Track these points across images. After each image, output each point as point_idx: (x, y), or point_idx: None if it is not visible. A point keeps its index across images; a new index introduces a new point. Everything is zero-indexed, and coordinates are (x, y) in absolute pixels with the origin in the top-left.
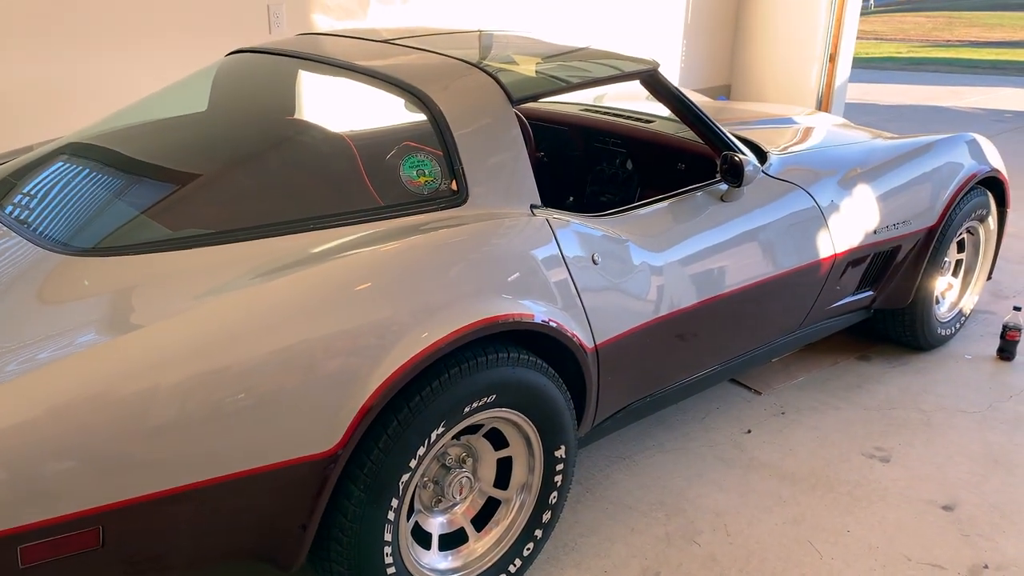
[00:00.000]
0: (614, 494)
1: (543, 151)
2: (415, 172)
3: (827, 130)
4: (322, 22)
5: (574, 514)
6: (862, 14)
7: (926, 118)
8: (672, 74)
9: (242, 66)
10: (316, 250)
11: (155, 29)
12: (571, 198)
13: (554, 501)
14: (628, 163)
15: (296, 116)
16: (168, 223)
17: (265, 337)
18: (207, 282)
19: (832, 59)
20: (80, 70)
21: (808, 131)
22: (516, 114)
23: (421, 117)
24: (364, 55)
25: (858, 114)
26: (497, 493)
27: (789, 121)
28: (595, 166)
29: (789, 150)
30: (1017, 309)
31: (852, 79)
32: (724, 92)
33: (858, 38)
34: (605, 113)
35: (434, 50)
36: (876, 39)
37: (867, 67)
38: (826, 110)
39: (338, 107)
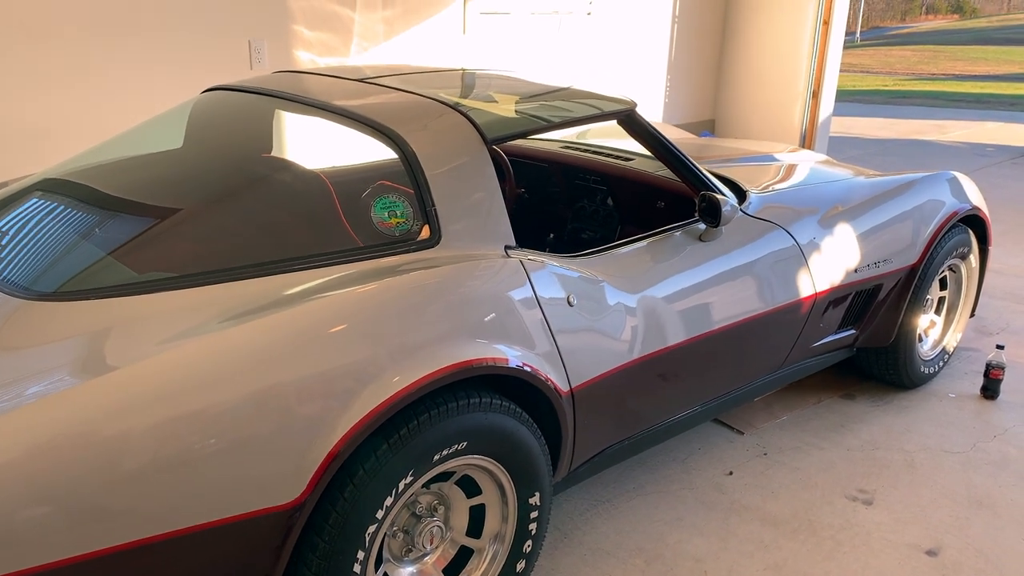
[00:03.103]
0: (592, 540)
1: (524, 188)
2: (387, 213)
3: (809, 168)
4: (303, 58)
5: (551, 561)
6: (848, 47)
7: (910, 152)
8: (656, 110)
9: (216, 104)
10: (285, 294)
11: (136, 64)
12: (551, 235)
13: (528, 550)
14: (609, 200)
15: (269, 156)
16: (134, 265)
17: (225, 384)
18: (172, 327)
19: (815, 95)
20: (59, 105)
21: (790, 169)
22: (497, 152)
23: (394, 158)
24: (339, 94)
25: (843, 147)
26: (469, 542)
27: (770, 159)
28: (576, 203)
29: (769, 188)
30: (1000, 347)
31: (837, 112)
32: (708, 127)
33: (844, 71)
34: (586, 151)
35: (410, 90)
36: (862, 72)
37: (853, 100)
38: (809, 145)
39: (311, 147)
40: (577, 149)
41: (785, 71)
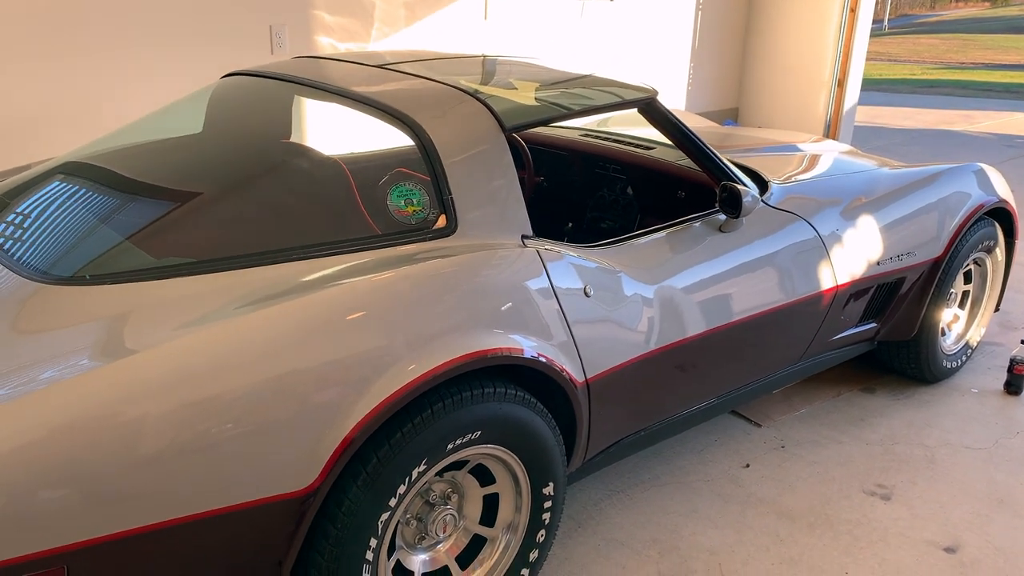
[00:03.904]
0: (606, 530)
1: (543, 176)
2: (403, 201)
3: (833, 158)
4: (324, 43)
5: (564, 550)
6: (875, 35)
7: (937, 142)
8: (679, 97)
9: (236, 89)
10: (301, 281)
11: (157, 48)
12: (570, 224)
13: (542, 540)
14: (628, 190)
15: (287, 142)
16: (152, 251)
17: (240, 370)
18: (188, 313)
19: (840, 84)
20: (81, 89)
21: (813, 159)
22: (516, 140)
23: (411, 145)
24: (358, 80)
25: (869, 137)
26: (483, 531)
27: (794, 148)
28: (595, 192)
29: (792, 179)
30: None
31: (863, 101)
32: (732, 116)
33: (871, 59)
34: (606, 139)
35: (429, 76)
36: (890, 60)
37: (879, 89)
38: (834, 135)
39: (329, 134)
40: (597, 137)
41: (810, 59)
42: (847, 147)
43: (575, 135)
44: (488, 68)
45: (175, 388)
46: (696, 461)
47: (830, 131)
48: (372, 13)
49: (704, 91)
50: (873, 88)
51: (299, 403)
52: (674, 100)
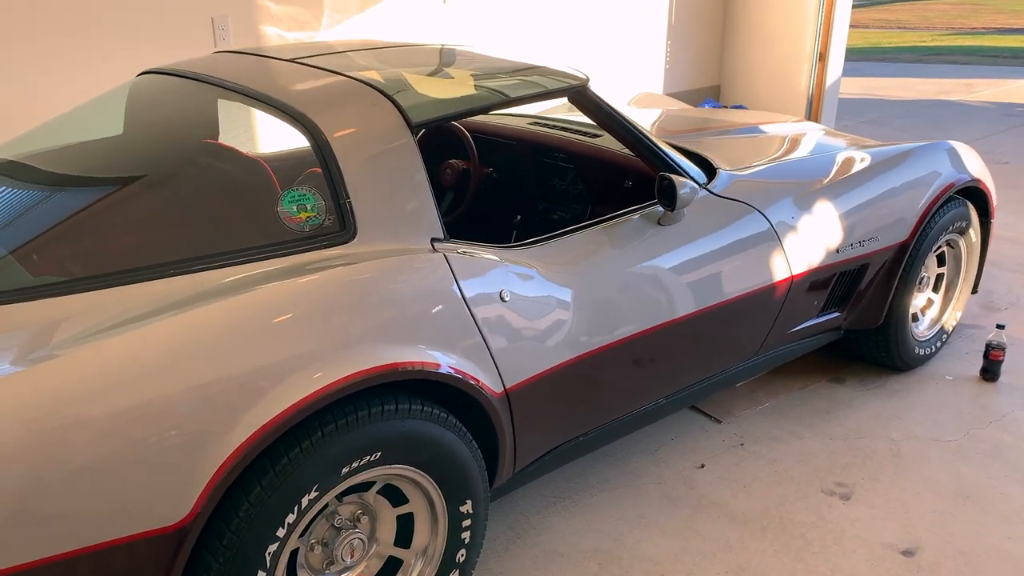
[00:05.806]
0: (546, 540)
1: (491, 167)
2: (295, 207)
3: (797, 140)
4: (271, 33)
5: (499, 564)
6: (883, 1)
7: (933, 114)
8: (657, 78)
9: (149, 89)
10: (175, 299)
11: (96, 42)
12: (519, 216)
13: (463, 560)
14: (578, 180)
15: (185, 147)
16: (30, 268)
17: (99, 399)
18: (52, 336)
19: (822, 58)
20: (15, 81)
21: (775, 142)
22: (460, 130)
23: (307, 146)
24: (262, 77)
25: (862, 110)
26: (398, 552)
27: (756, 130)
28: (546, 183)
29: (746, 165)
30: (1001, 327)
31: (864, 72)
32: (713, 94)
33: (881, 27)
34: (554, 127)
35: (339, 71)
36: (899, 28)
37: (882, 59)
38: (817, 110)
39: (229, 136)
40: (545, 125)
41: (791, 33)
42: (820, 127)
43: (523, 123)
44: (414, 59)
45: (27, 422)
46: (649, 462)
47: (813, 106)
48: (321, 1)
49: (683, 70)
50: (875, 58)
51: (168, 430)
52: (652, 81)
